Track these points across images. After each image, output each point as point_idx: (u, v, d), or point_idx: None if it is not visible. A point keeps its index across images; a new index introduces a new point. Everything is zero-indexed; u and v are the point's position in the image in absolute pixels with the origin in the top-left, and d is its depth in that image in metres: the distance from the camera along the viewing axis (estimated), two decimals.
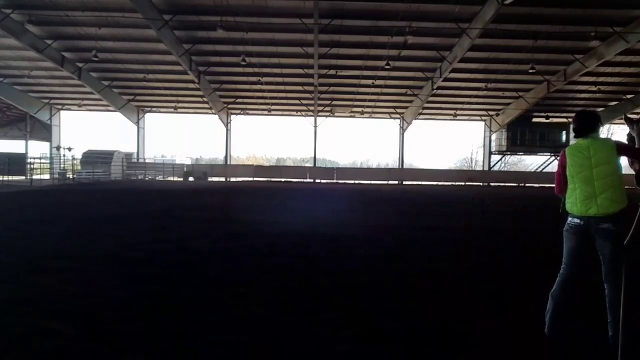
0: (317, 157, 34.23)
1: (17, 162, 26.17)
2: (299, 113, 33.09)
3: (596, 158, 3.20)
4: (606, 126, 38.47)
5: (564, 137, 32.91)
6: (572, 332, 3.23)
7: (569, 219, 3.25)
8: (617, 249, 3.07)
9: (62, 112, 33.27)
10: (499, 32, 19.77)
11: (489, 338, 3.33)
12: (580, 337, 3.18)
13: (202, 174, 32.03)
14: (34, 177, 24.21)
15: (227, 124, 33.46)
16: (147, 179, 31.80)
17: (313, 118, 32.75)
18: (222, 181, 30.76)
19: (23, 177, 25.07)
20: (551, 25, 19.62)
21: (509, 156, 38.31)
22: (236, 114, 33.95)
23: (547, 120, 32.00)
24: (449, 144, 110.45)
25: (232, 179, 32.46)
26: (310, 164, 36.93)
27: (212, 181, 30.25)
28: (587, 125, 3.34)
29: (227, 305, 3.98)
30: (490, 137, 34.14)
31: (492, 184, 31.61)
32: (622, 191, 3.16)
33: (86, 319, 3.57)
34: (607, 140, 3.34)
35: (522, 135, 32.62)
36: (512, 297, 4.39)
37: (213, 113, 32.85)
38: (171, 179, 33.30)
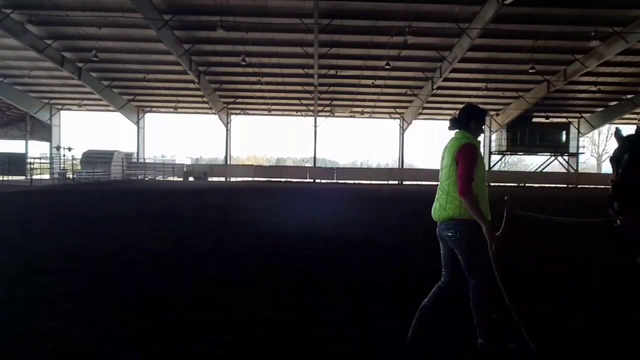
0: (317, 157, 34.24)
1: (17, 162, 26.17)
2: (299, 113, 33.09)
3: (445, 159, 2.90)
4: (606, 126, 38.36)
5: (564, 137, 32.91)
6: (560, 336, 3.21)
7: None
8: (464, 258, 2.89)
9: (62, 112, 33.26)
10: (499, 32, 19.76)
11: None
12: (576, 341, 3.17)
13: (202, 174, 32.05)
14: (34, 177, 24.22)
15: (227, 124, 33.46)
16: (147, 179, 31.78)
17: (313, 118, 32.75)
18: (222, 181, 30.74)
19: (23, 177, 25.08)
20: (551, 25, 19.61)
21: (509, 156, 38.31)
22: (236, 114, 33.95)
23: (547, 120, 31.99)
24: None
25: (232, 179, 32.45)
26: (310, 164, 36.92)
27: (212, 181, 30.24)
28: (458, 118, 2.94)
29: (227, 305, 3.98)
30: (490, 137, 34.14)
31: (492, 184, 31.56)
32: (457, 198, 2.78)
33: (86, 319, 3.58)
34: (460, 140, 2.85)
35: (522, 135, 32.64)
36: (512, 297, 4.38)
37: (213, 113, 32.85)
38: (171, 179, 33.29)
